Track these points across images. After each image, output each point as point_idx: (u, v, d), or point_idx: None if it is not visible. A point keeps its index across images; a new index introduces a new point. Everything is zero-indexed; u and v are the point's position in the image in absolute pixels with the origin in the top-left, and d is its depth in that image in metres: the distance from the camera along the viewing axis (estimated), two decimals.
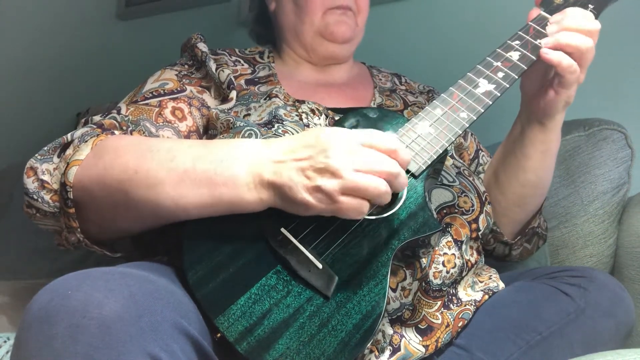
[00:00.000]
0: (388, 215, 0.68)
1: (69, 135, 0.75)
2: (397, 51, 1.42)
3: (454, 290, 0.78)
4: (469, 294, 0.80)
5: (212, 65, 0.89)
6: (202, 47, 0.91)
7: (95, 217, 0.71)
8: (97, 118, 0.81)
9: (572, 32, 0.74)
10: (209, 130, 0.86)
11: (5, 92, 1.96)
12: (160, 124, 0.82)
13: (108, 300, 0.51)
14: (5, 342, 0.88)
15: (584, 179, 1.08)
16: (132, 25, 1.83)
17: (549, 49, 0.75)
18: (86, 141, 0.73)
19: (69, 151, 0.73)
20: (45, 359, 0.50)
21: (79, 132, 0.75)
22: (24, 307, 0.54)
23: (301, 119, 0.84)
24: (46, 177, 0.72)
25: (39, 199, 0.72)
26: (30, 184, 0.72)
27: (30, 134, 1.76)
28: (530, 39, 0.78)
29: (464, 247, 0.79)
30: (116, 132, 0.77)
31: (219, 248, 0.64)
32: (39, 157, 0.74)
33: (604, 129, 1.10)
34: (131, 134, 0.78)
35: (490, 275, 0.85)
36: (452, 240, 0.77)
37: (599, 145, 1.09)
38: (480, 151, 1.03)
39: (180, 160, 0.65)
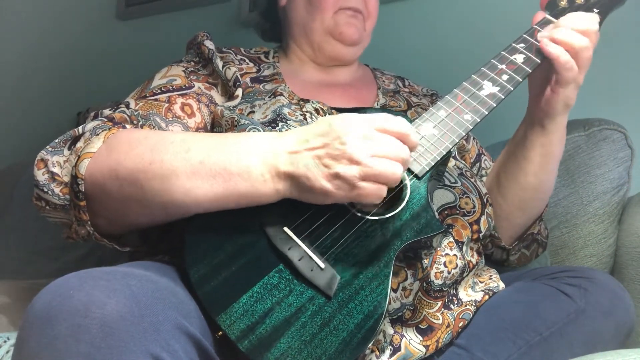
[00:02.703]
0: (391, 216, 0.69)
1: (80, 127, 0.75)
2: (400, 53, 1.42)
3: (454, 291, 0.78)
4: (470, 294, 0.80)
5: (219, 63, 0.90)
6: (209, 44, 0.91)
7: (105, 210, 0.71)
8: (107, 111, 0.80)
9: (567, 30, 0.75)
10: (214, 127, 0.86)
11: (6, 92, 1.96)
12: (170, 119, 0.82)
13: (110, 300, 0.51)
14: (5, 342, 0.88)
15: (584, 179, 1.09)
16: (132, 25, 1.83)
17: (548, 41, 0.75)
18: (98, 134, 0.73)
19: (79, 144, 0.73)
20: (47, 359, 0.50)
21: (90, 125, 0.75)
22: (24, 307, 0.54)
23: (305, 119, 0.84)
24: (56, 170, 0.72)
25: (49, 192, 0.71)
26: (41, 176, 0.72)
27: (30, 134, 1.76)
28: (534, 41, 0.78)
29: (464, 248, 0.79)
30: (127, 125, 0.77)
31: (221, 246, 0.64)
32: (49, 149, 0.74)
33: (604, 129, 1.10)
34: (141, 128, 0.79)
35: (491, 276, 0.85)
36: (453, 241, 0.77)
37: (599, 145, 1.09)
38: (482, 155, 1.03)
39: (195, 151, 0.66)
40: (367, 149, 0.61)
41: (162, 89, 0.85)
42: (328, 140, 0.62)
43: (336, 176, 0.61)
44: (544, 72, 0.79)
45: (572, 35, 0.74)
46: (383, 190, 0.62)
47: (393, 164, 0.61)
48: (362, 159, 0.60)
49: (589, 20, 0.76)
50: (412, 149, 0.65)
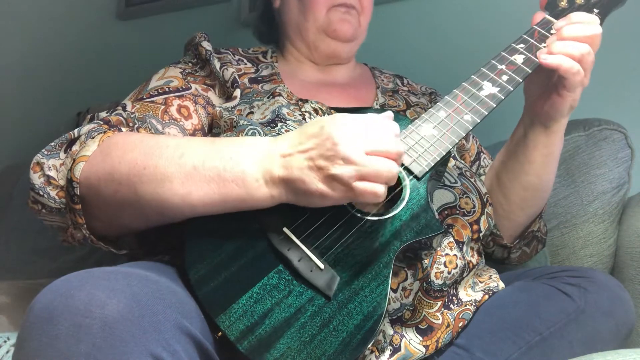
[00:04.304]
0: (390, 217, 0.69)
1: (75, 131, 0.75)
2: (399, 52, 1.42)
3: (454, 291, 0.78)
4: (470, 294, 0.80)
5: (217, 64, 0.90)
6: (206, 45, 0.91)
7: (101, 213, 0.71)
8: (103, 114, 0.80)
9: (565, 42, 0.74)
10: (213, 128, 0.86)
11: (6, 92, 1.96)
12: (167, 121, 0.82)
13: (111, 300, 0.51)
14: (5, 342, 0.88)
15: (584, 179, 1.09)
16: (132, 25, 1.83)
17: (546, 54, 0.75)
18: (93, 137, 0.73)
19: (75, 147, 0.73)
20: (48, 359, 0.50)
21: (85, 128, 0.75)
22: (24, 307, 0.54)
23: (304, 119, 0.84)
24: (52, 173, 0.72)
25: (45, 195, 0.71)
26: (37, 179, 0.72)
27: (30, 134, 1.76)
28: (534, 42, 0.78)
29: (465, 248, 0.79)
30: (123, 128, 0.77)
31: (221, 247, 0.64)
32: (45, 152, 0.73)
33: (604, 129, 1.10)
34: (137, 130, 0.79)
35: (491, 275, 0.85)
36: (453, 241, 0.77)
37: (599, 145, 1.09)
38: (481, 153, 1.03)
39: (189, 156, 0.65)
40: (360, 147, 0.60)
41: (159, 90, 0.85)
42: (319, 140, 0.62)
43: (332, 177, 0.61)
44: (543, 74, 0.79)
45: (571, 46, 0.73)
46: (380, 189, 0.61)
47: (387, 161, 0.61)
48: (357, 158, 0.60)
49: (593, 23, 0.75)
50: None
